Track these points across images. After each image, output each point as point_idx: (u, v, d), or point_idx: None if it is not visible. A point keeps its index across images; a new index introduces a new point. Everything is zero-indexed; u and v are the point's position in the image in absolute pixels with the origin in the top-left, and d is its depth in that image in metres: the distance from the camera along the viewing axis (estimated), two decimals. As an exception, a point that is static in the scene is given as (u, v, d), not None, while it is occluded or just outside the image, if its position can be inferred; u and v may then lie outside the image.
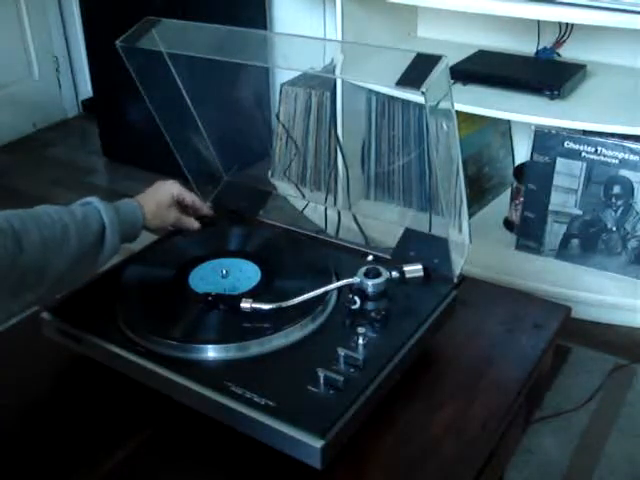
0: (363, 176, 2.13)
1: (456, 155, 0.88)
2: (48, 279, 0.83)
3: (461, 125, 1.83)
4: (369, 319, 0.87)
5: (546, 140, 1.75)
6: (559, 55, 1.98)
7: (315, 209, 2.05)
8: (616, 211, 1.75)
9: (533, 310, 1.03)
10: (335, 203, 2.12)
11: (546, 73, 1.87)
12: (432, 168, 1.89)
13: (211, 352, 0.83)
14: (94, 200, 0.95)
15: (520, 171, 1.94)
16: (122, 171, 2.62)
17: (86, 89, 3.12)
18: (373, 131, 2.06)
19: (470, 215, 0.99)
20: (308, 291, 0.87)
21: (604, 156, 1.71)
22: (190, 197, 1.11)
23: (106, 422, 0.86)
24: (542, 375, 0.97)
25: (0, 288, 0.77)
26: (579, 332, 1.72)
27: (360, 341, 0.83)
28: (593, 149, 1.71)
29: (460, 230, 0.95)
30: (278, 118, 2.22)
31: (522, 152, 2.14)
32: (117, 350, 0.85)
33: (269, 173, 2.31)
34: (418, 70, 0.77)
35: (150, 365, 0.83)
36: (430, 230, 1.06)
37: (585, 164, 1.73)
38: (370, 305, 0.88)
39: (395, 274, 0.92)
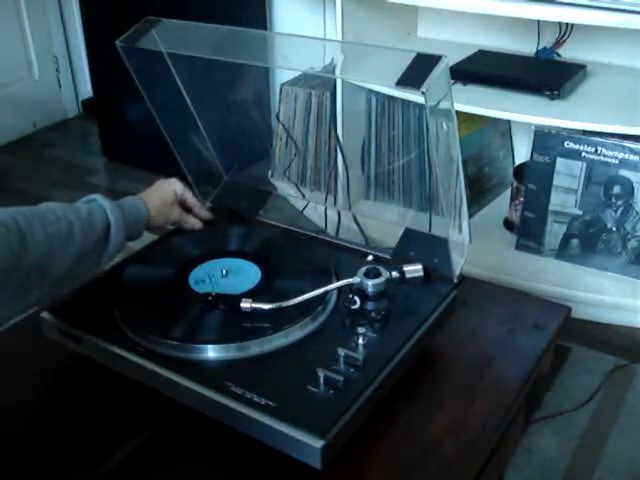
0: (363, 176, 2.13)
1: (456, 155, 0.88)
2: (52, 277, 0.83)
3: (461, 125, 1.83)
4: (369, 319, 0.87)
5: (546, 140, 1.75)
6: (559, 55, 1.98)
7: (315, 209, 2.05)
8: (616, 211, 1.75)
9: (533, 310, 1.03)
10: (335, 203, 2.12)
11: (546, 73, 1.87)
12: (432, 168, 1.90)
13: (211, 352, 0.83)
14: (98, 197, 0.94)
15: (520, 171, 1.94)
16: (122, 171, 2.62)
17: (86, 89, 3.12)
18: (373, 131, 2.06)
19: (470, 215, 0.99)
20: (308, 291, 0.87)
21: (604, 156, 1.71)
22: (192, 198, 1.11)
23: (106, 422, 0.86)
24: (542, 375, 0.97)
25: (5, 286, 0.77)
26: (579, 332, 1.72)
27: (360, 341, 0.83)
28: (593, 149, 1.71)
29: (460, 230, 0.95)
30: (278, 118, 2.22)
31: (522, 152, 2.14)
32: (117, 350, 0.85)
33: (269, 173, 2.31)
34: (418, 70, 0.77)
35: (150, 365, 0.83)
36: (430, 230, 1.06)
37: (585, 164, 1.74)
38: (370, 305, 0.88)
39: (395, 274, 0.92)
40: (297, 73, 2.16)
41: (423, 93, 0.75)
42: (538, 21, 1.91)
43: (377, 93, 2.00)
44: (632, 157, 1.68)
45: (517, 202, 1.93)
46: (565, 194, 1.78)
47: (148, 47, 0.99)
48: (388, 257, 1.01)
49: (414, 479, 0.78)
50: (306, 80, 2.17)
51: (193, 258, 1.00)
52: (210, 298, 0.89)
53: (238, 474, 0.80)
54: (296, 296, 0.87)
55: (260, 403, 0.76)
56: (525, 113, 1.72)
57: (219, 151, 1.21)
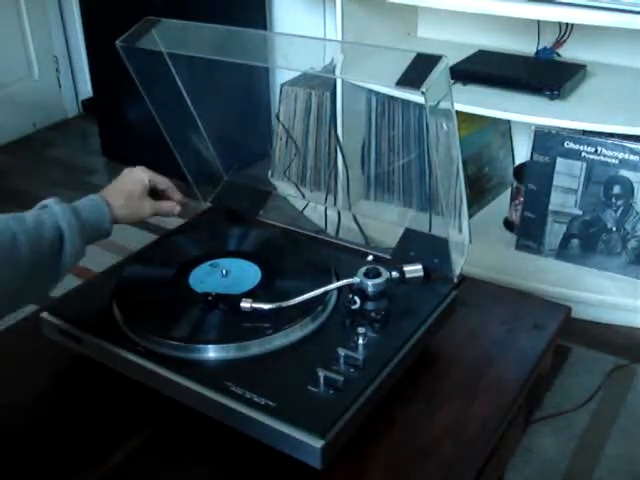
0: (363, 176, 2.13)
1: (456, 155, 0.88)
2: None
3: (461, 125, 1.83)
4: (369, 319, 0.87)
5: (546, 140, 1.75)
6: (559, 55, 1.98)
7: (315, 209, 2.05)
8: (616, 211, 1.75)
9: (533, 310, 1.03)
10: (335, 203, 2.12)
11: (546, 73, 1.87)
12: (432, 168, 1.89)
13: (211, 352, 0.83)
14: (51, 203, 0.88)
15: (520, 171, 1.94)
16: (122, 171, 2.62)
17: (86, 89, 3.12)
18: (373, 131, 2.06)
19: (470, 215, 0.99)
20: (308, 291, 0.87)
21: (604, 156, 1.71)
22: (164, 182, 1.04)
23: (106, 422, 0.86)
24: (542, 375, 0.97)
25: None
26: (579, 332, 1.72)
27: (360, 341, 0.83)
28: (593, 149, 1.71)
29: (460, 230, 0.95)
30: (278, 118, 2.22)
31: (522, 152, 2.14)
32: (117, 350, 0.85)
33: (269, 173, 2.31)
34: (418, 70, 0.77)
35: (150, 365, 0.83)
36: (430, 230, 1.06)
37: (585, 164, 1.73)
38: (370, 305, 0.88)
39: (395, 274, 0.91)
40: (297, 73, 2.16)
41: (423, 93, 0.75)
42: (538, 21, 1.91)
43: (377, 93, 2.00)
44: (632, 157, 1.68)
45: (517, 202, 1.93)
46: (565, 194, 1.78)
47: (148, 47, 0.99)
48: (388, 257, 1.01)
49: (414, 479, 0.78)
50: (306, 80, 2.17)
51: (193, 258, 1.00)
52: (210, 298, 0.89)
53: (238, 474, 0.80)
54: (296, 296, 0.87)
55: (260, 403, 0.76)
56: (525, 113, 1.71)
57: (219, 151, 1.21)
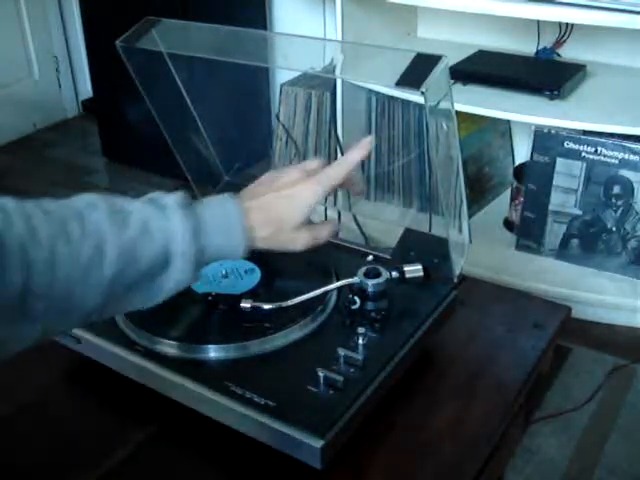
0: (363, 176, 2.13)
1: (456, 155, 0.88)
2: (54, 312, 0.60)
3: (461, 125, 1.83)
4: (369, 319, 0.87)
5: (546, 140, 1.75)
6: (559, 55, 1.98)
7: (315, 209, 2.05)
8: (616, 211, 1.75)
9: (533, 310, 1.03)
10: (335, 203, 2.12)
11: (546, 73, 1.87)
12: (432, 168, 1.89)
13: (211, 352, 0.83)
14: (172, 206, 0.66)
15: (520, 171, 1.94)
16: (122, 171, 2.62)
17: (86, 89, 3.12)
18: (373, 131, 2.06)
19: (470, 215, 1.00)
20: (308, 291, 0.87)
21: (604, 156, 1.71)
22: (339, 173, 0.76)
23: (105, 422, 0.86)
24: (542, 375, 0.97)
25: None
26: (579, 332, 1.72)
27: (360, 341, 0.83)
28: (593, 149, 1.71)
29: (460, 230, 0.95)
30: (278, 118, 2.22)
31: (522, 152, 2.14)
32: (117, 350, 0.85)
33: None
34: (418, 70, 0.77)
35: (150, 365, 0.83)
36: (430, 230, 1.06)
37: (585, 164, 1.74)
38: (370, 305, 0.88)
39: (395, 274, 0.91)
40: (297, 73, 2.16)
41: (423, 93, 0.75)
42: (538, 21, 1.91)
43: (377, 93, 2.00)
44: (632, 157, 1.68)
45: (517, 202, 1.93)
46: (565, 194, 1.78)
47: (148, 47, 0.99)
48: (388, 257, 1.01)
49: (414, 479, 0.78)
50: (306, 80, 2.17)
51: (193, 258, 0.99)
52: (210, 298, 0.89)
53: (238, 474, 0.80)
54: (296, 296, 0.87)
55: (260, 403, 0.76)
56: (525, 113, 1.72)
57: (219, 151, 1.21)
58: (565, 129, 1.72)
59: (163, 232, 0.64)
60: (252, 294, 0.90)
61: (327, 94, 2.10)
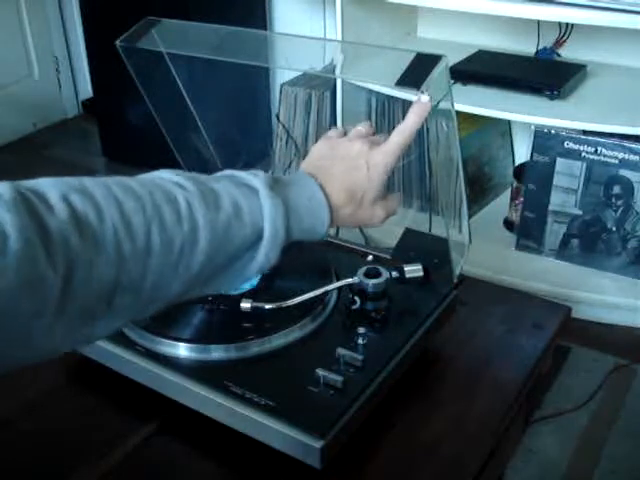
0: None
1: (456, 155, 0.88)
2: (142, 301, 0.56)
3: (461, 125, 1.83)
4: (369, 319, 0.87)
5: (546, 140, 1.75)
6: (559, 55, 1.98)
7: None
8: (616, 211, 1.75)
9: (533, 310, 1.03)
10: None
11: (546, 73, 1.87)
12: (432, 168, 1.90)
13: (211, 352, 0.83)
14: (261, 187, 0.63)
15: (520, 171, 1.94)
16: (122, 171, 2.60)
17: (86, 89, 3.12)
18: (373, 131, 2.06)
19: (470, 215, 1.00)
20: (308, 291, 0.87)
21: (604, 156, 1.71)
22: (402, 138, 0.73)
23: (105, 422, 0.86)
24: (542, 375, 0.97)
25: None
26: (579, 332, 1.72)
27: (360, 341, 0.83)
28: (593, 149, 1.71)
29: (460, 230, 0.95)
30: (278, 118, 2.22)
31: (522, 152, 2.14)
32: (117, 350, 0.85)
33: (269, 173, 2.31)
34: (418, 70, 0.77)
35: (150, 365, 0.83)
36: (430, 230, 1.06)
37: (585, 164, 1.74)
38: (370, 305, 0.88)
39: (395, 274, 0.91)
40: (297, 73, 2.17)
41: (423, 93, 0.75)
42: (538, 21, 1.91)
43: (377, 93, 2.00)
44: (632, 157, 1.68)
45: (517, 202, 1.93)
46: (565, 194, 1.78)
47: (148, 47, 0.99)
48: (388, 257, 1.01)
49: (414, 479, 0.78)
50: (306, 80, 2.18)
51: (193, 258, 0.99)
52: (210, 298, 0.89)
53: (238, 474, 0.80)
54: (296, 296, 0.87)
55: (260, 403, 0.76)
56: (525, 113, 1.72)
57: (219, 151, 1.21)
58: (565, 129, 1.72)
59: (254, 215, 0.61)
60: (252, 294, 0.90)
61: (327, 94, 2.10)
